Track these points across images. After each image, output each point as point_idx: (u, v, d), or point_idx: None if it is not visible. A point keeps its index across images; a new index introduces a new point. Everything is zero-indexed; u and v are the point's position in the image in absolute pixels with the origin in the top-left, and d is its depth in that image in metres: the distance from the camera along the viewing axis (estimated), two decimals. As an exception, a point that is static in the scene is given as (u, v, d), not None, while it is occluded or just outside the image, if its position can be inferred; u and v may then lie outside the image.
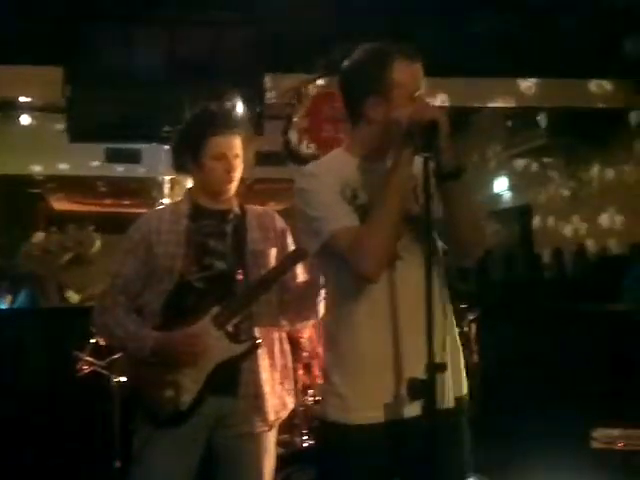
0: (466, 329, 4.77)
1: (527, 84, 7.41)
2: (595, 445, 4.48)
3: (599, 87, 7.41)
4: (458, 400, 2.06)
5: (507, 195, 10.89)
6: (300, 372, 3.70)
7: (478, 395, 5.01)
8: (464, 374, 2.15)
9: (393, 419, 1.97)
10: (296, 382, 3.77)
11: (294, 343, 3.71)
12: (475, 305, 4.90)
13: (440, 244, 2.10)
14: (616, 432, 4.36)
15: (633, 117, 7.69)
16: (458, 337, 2.16)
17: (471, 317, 4.80)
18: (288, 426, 3.53)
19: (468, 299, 5.14)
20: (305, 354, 3.76)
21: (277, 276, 2.45)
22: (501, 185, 10.93)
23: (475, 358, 4.98)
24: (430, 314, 1.83)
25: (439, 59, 6.85)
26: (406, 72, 1.99)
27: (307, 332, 3.64)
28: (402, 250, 2.00)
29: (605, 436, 4.42)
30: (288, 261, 2.44)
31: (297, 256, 2.43)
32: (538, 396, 5.28)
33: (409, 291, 1.97)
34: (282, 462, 3.40)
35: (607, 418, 4.49)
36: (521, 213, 10.56)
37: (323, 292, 2.29)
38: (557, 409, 4.96)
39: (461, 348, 2.17)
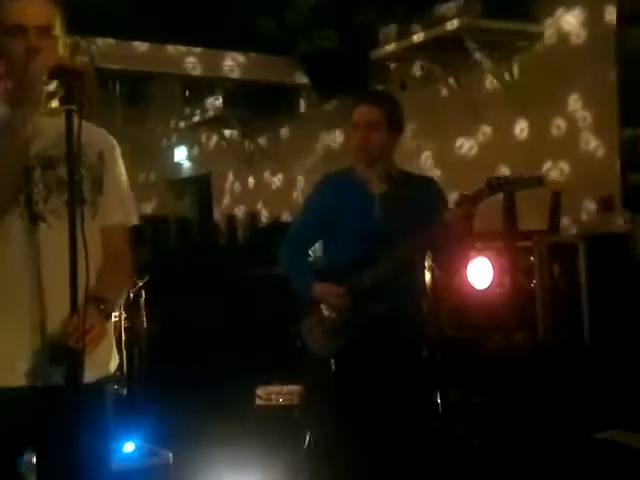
0: (132, 295, 4.78)
1: (203, 55, 7.52)
2: (259, 402, 4.75)
3: (270, 62, 7.75)
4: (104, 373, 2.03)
5: (187, 164, 10.98)
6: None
7: (144, 360, 5.06)
8: (112, 351, 2.10)
9: (32, 384, 1.88)
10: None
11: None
12: (146, 271, 4.90)
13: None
14: (276, 389, 4.65)
15: (301, 93, 8.17)
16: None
17: (140, 283, 4.81)
18: None
19: (139, 266, 5.12)
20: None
21: None
22: (180, 154, 11.00)
23: (144, 323, 5.01)
24: (74, 280, 1.76)
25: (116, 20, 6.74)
26: (3, 6, 1.91)
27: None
28: (49, 214, 1.91)
29: (267, 393, 4.70)
30: None
31: None
32: (207, 358, 5.44)
33: (55, 255, 1.88)
34: None
35: (271, 376, 4.77)
36: (200, 182, 10.72)
37: None
38: (225, 370, 5.15)
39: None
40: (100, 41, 6.69)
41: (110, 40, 6.91)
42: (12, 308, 1.88)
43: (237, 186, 9.70)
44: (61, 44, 1.94)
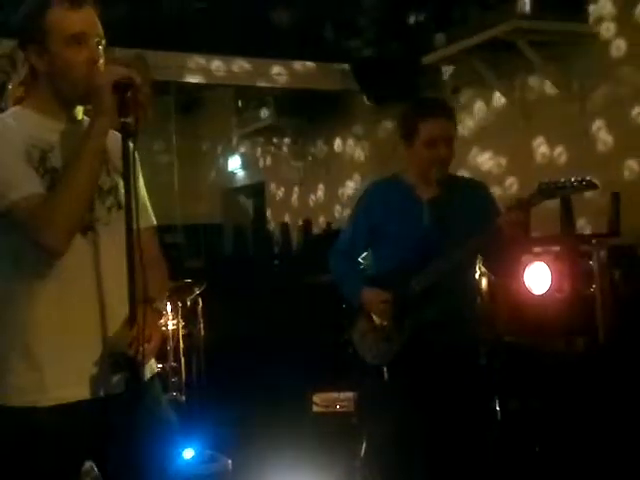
0: (189, 303, 4.84)
1: (255, 64, 7.59)
2: (315, 409, 4.75)
3: (321, 70, 7.77)
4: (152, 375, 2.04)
5: (241, 173, 11.09)
6: None
7: (202, 367, 5.11)
8: None
9: (94, 397, 1.89)
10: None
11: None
12: (202, 279, 4.96)
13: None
14: (333, 395, 4.65)
15: (352, 100, 8.17)
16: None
17: (197, 291, 4.87)
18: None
19: (196, 274, 5.19)
20: None
21: None
22: (235, 164, 11.11)
23: (201, 331, 5.07)
24: (133, 289, 1.79)
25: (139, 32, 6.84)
26: (62, 16, 1.86)
27: None
28: (95, 222, 1.91)
29: (323, 400, 4.70)
30: None
31: None
32: (263, 365, 5.46)
33: (105, 263, 1.90)
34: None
35: (325, 383, 4.77)
36: (255, 190, 10.81)
37: None
38: (282, 376, 5.17)
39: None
40: (154, 53, 6.80)
41: (162, 52, 7.02)
42: (73, 320, 1.88)
43: (291, 194, 9.75)
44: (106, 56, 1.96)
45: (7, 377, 1.87)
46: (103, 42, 1.93)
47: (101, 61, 1.89)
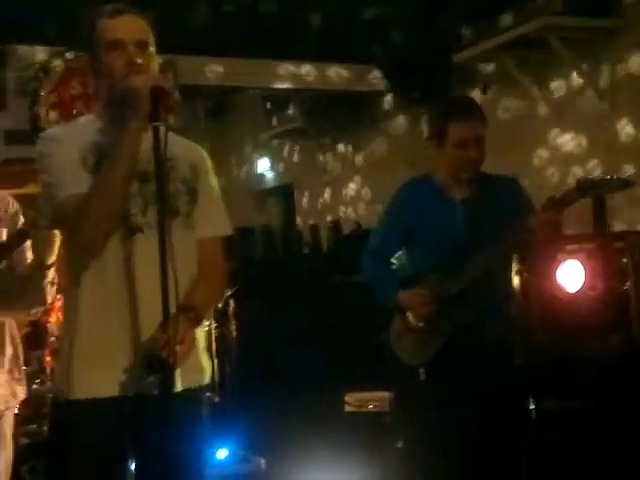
0: (221, 305, 4.88)
1: (283, 67, 7.60)
2: (348, 409, 4.75)
3: (350, 72, 7.77)
4: (197, 382, 2.07)
5: (269, 175, 11.12)
6: (47, 358, 3.55)
7: (235, 368, 5.14)
8: (205, 358, 2.13)
9: (127, 394, 1.93)
10: (44, 368, 3.63)
11: (40, 328, 3.58)
12: (234, 282, 4.98)
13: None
14: (366, 395, 4.64)
15: (381, 101, 8.17)
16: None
17: (229, 293, 4.90)
18: (35, 415, 3.38)
19: (227, 276, 5.22)
20: (52, 339, 3.61)
21: None
22: (263, 165, 11.14)
23: (233, 332, 5.10)
24: (166, 292, 1.81)
25: (198, 38, 6.91)
26: (104, 25, 1.99)
27: (54, 316, 3.50)
28: (145, 226, 1.96)
29: (357, 399, 4.69)
30: (9, 243, 2.34)
31: (19, 237, 2.34)
32: (295, 365, 5.48)
33: (150, 266, 1.91)
34: (29, 453, 3.26)
35: (358, 382, 4.77)
36: (283, 192, 10.83)
37: (50, 274, 2.21)
38: (313, 376, 5.18)
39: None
40: (182, 58, 6.85)
41: (190, 57, 7.07)
42: (111, 320, 1.94)
43: (319, 195, 9.76)
44: (155, 61, 2.02)
45: (68, 372, 1.95)
46: (150, 48, 2.01)
47: (139, 61, 1.96)
